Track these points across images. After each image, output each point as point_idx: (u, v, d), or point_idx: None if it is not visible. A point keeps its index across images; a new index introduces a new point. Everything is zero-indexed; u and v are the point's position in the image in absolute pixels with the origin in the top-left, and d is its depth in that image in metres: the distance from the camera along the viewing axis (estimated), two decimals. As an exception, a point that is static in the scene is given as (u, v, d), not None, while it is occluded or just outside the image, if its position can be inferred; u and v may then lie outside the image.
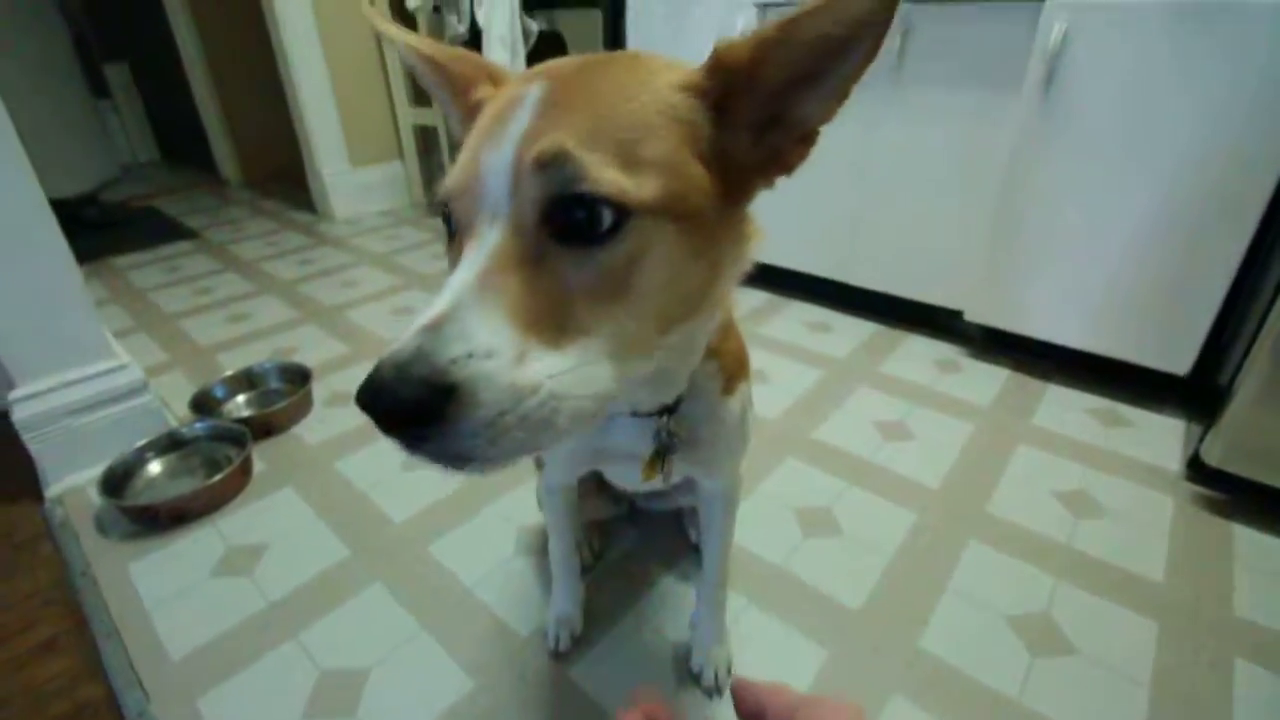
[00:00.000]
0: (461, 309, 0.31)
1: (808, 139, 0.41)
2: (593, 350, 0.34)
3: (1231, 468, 1.10)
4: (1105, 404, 1.44)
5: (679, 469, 0.67)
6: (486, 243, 0.33)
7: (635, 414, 0.57)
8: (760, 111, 0.40)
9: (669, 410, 0.56)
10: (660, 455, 0.58)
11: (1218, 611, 0.95)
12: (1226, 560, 1.04)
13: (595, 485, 0.99)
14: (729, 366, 0.61)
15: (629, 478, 0.79)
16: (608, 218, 0.33)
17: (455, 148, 0.49)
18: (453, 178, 0.36)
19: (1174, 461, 1.26)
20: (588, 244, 0.34)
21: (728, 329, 0.60)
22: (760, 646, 0.91)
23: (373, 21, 0.54)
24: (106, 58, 4.10)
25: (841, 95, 0.39)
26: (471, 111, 0.45)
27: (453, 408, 0.29)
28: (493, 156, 0.34)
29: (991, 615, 0.95)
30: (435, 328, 0.30)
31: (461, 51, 0.51)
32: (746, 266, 0.47)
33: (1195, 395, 1.40)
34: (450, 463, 0.32)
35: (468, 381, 0.30)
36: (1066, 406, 1.43)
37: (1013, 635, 0.92)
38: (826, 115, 0.40)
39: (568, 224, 0.34)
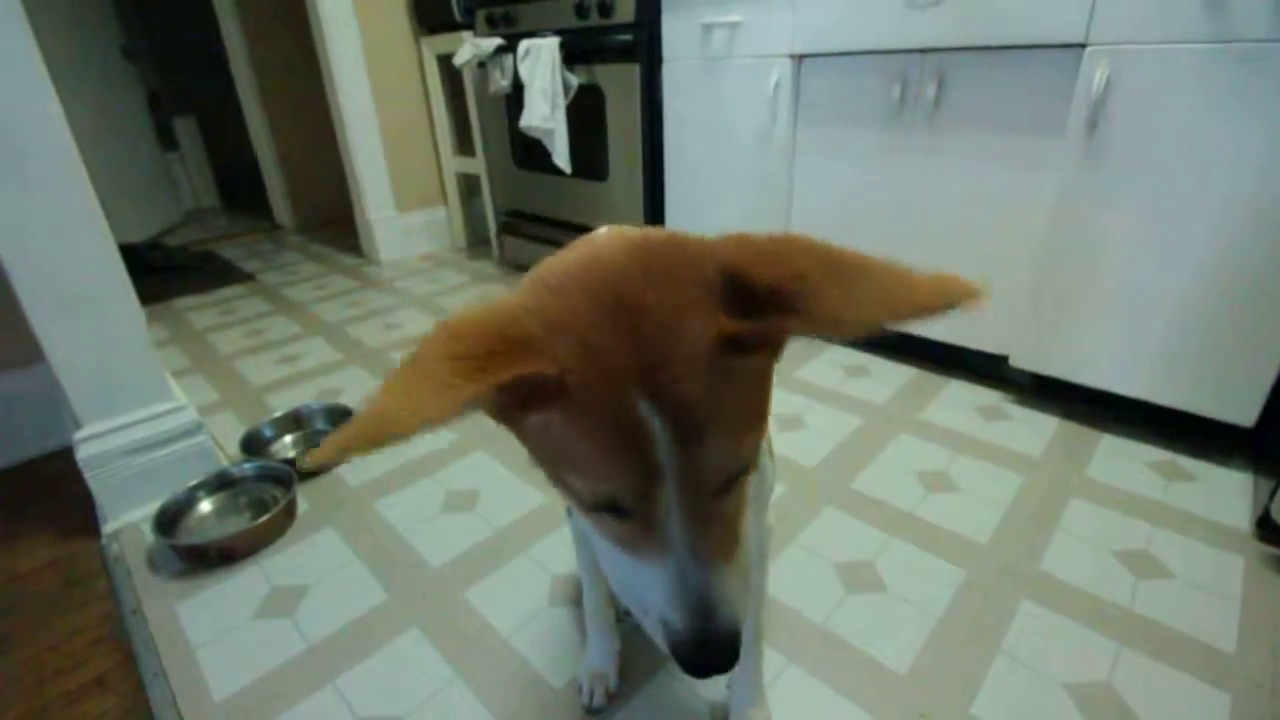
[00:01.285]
0: (711, 583, 0.41)
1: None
2: (749, 536, 0.47)
3: (1307, 528, 1.04)
4: (1165, 456, 1.38)
5: None
6: (685, 526, 0.41)
7: None
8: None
9: None
10: None
11: (1299, 686, 0.89)
12: (1306, 629, 0.97)
13: None
14: None
15: None
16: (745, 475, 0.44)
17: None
18: (630, 493, 0.40)
19: (1242, 519, 1.19)
20: (733, 484, 0.43)
21: None
22: (801, 710, 0.88)
23: None
24: (176, 112, 4.40)
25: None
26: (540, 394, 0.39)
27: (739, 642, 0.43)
28: (658, 484, 0.39)
29: (1048, 682, 0.90)
30: (709, 611, 0.41)
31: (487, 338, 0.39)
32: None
33: (1262, 448, 1.33)
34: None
35: (739, 622, 0.43)
36: (1123, 458, 1.38)
37: (1072, 705, 0.87)
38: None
39: (725, 487, 0.42)
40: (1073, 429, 1.49)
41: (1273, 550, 1.11)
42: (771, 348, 0.44)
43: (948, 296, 0.36)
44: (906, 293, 0.36)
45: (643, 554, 0.42)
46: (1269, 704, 0.86)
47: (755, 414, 0.44)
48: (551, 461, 0.43)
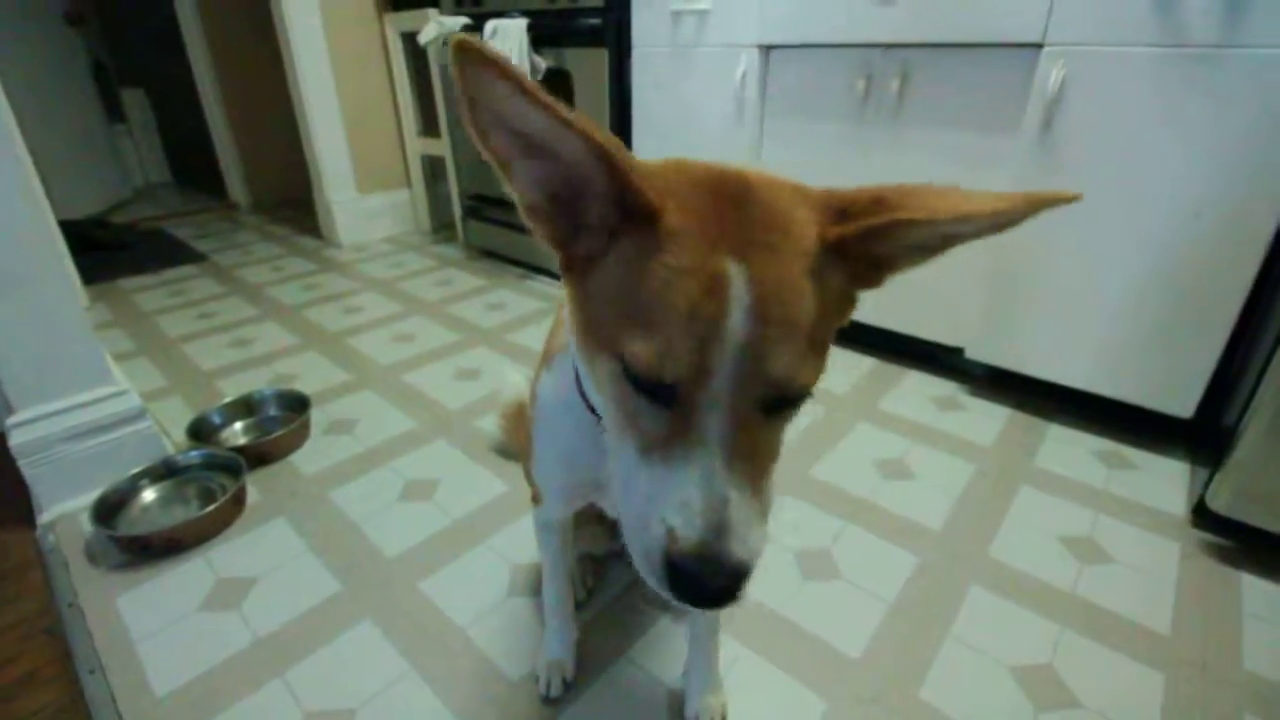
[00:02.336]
0: (732, 504, 0.38)
1: (902, 271, 0.45)
2: (772, 477, 0.42)
3: (1238, 514, 1.09)
4: (1109, 445, 1.42)
5: None
6: (717, 429, 0.38)
7: None
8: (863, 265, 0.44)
9: None
10: None
11: (1226, 664, 0.93)
12: (1235, 611, 1.02)
13: (593, 515, 0.98)
14: None
15: None
16: (800, 403, 0.41)
17: (531, 210, 0.43)
18: (681, 363, 0.37)
19: (1179, 506, 1.24)
20: (786, 409, 0.41)
21: None
22: (757, 695, 0.89)
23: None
24: (124, 83, 4.19)
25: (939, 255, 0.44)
26: (629, 218, 0.40)
27: (748, 579, 0.39)
28: (719, 356, 0.37)
29: (994, 665, 0.93)
30: (722, 528, 0.38)
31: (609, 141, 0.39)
32: None
33: (1200, 438, 1.39)
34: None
35: (754, 560, 0.39)
36: (1070, 447, 1.42)
37: (1016, 687, 0.90)
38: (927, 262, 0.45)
39: (775, 403, 0.40)
40: (1023, 419, 1.53)
41: (1207, 536, 1.16)
42: (867, 269, 0.44)
43: (1043, 199, 0.41)
44: (969, 201, 0.39)
45: (670, 453, 0.39)
46: (1200, 683, 0.90)
47: (826, 339, 0.41)
48: (614, 308, 0.40)
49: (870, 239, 0.40)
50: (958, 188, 0.40)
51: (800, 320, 0.38)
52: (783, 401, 0.40)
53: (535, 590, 1.06)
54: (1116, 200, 1.28)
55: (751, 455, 0.39)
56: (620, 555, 1.12)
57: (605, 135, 0.37)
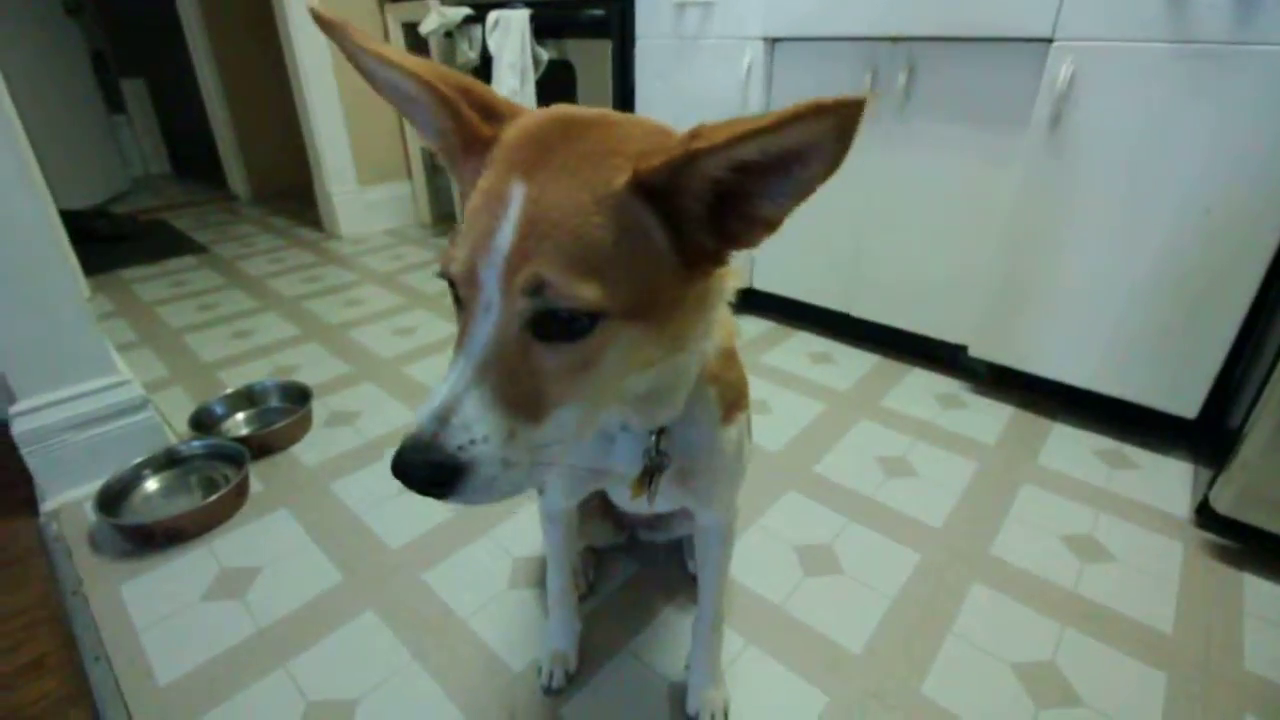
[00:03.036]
0: (464, 401, 0.39)
1: (769, 226, 0.42)
2: (565, 417, 0.42)
3: (1242, 515, 1.09)
4: (1112, 445, 1.42)
5: (674, 498, 0.68)
6: (480, 336, 0.40)
7: (626, 429, 0.59)
8: (709, 208, 0.42)
9: (660, 433, 0.58)
10: (648, 474, 0.59)
11: (1227, 664, 0.93)
12: (1236, 611, 1.02)
13: (599, 508, 0.98)
14: (728, 395, 0.61)
15: (629, 499, 0.79)
16: (582, 323, 0.40)
17: (435, 170, 0.49)
18: (457, 263, 0.41)
19: (1182, 507, 1.24)
20: (564, 339, 0.40)
21: (728, 357, 0.61)
22: (758, 690, 0.89)
23: (347, 38, 0.46)
24: (124, 73, 4.18)
25: (800, 197, 0.40)
26: (470, 146, 0.46)
27: (459, 480, 0.40)
28: (484, 262, 0.39)
29: (996, 662, 0.93)
30: (444, 418, 0.39)
31: (463, 80, 0.47)
32: (727, 298, 0.52)
33: (1204, 439, 1.39)
34: (460, 502, 0.41)
35: (470, 462, 0.39)
36: (1073, 446, 1.42)
37: (1018, 684, 0.90)
38: (785, 213, 0.41)
39: (548, 327, 0.40)
40: (1026, 418, 1.53)
41: (1210, 537, 1.16)
42: (712, 215, 0.42)
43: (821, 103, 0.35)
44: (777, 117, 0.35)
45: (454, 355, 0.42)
46: (1203, 683, 0.90)
47: (627, 281, 0.40)
48: (460, 217, 0.44)
49: (674, 174, 0.39)
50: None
51: (567, 238, 0.39)
52: (553, 322, 0.40)
53: (536, 582, 1.06)
54: (1124, 197, 1.27)
55: (514, 375, 0.40)
56: (625, 549, 1.13)
57: (441, 76, 0.45)
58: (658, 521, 1.02)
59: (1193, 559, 1.12)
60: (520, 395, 0.40)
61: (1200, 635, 0.97)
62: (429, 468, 0.39)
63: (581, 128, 0.43)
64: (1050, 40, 1.29)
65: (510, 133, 0.44)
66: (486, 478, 0.40)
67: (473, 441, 0.39)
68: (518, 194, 0.39)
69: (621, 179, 0.40)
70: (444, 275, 0.43)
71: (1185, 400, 1.31)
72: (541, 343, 0.40)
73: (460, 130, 0.46)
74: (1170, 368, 1.32)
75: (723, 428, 0.62)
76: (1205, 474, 1.23)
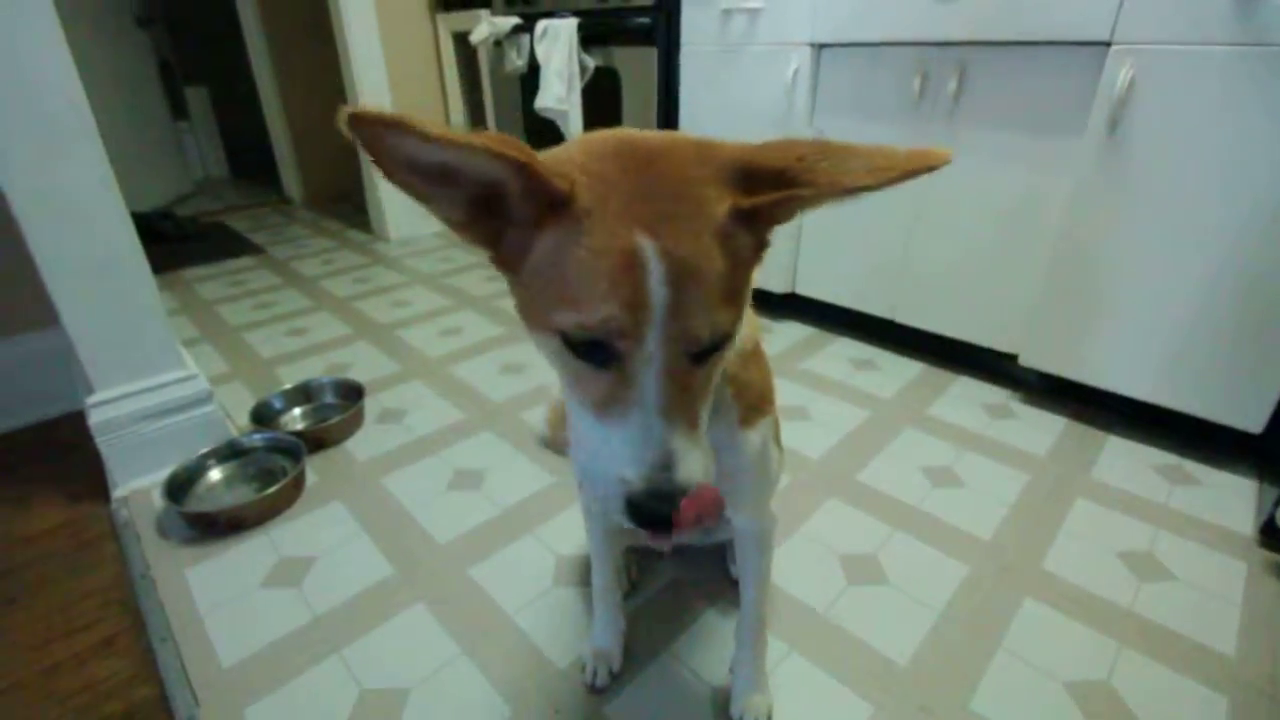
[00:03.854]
0: (673, 445, 0.43)
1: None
2: (705, 417, 0.47)
3: (1311, 536, 1.04)
4: (1171, 460, 1.38)
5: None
6: (654, 384, 0.43)
7: None
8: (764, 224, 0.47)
9: None
10: None
11: (1296, 691, 0.89)
12: (1306, 635, 0.97)
13: None
14: (747, 396, 0.62)
15: None
16: (724, 343, 0.45)
17: (457, 225, 0.46)
18: (616, 322, 0.41)
19: (1246, 525, 1.19)
20: (710, 353, 0.45)
21: (749, 358, 0.63)
22: (802, 698, 0.89)
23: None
24: (188, 81, 4.37)
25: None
26: (542, 209, 0.43)
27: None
28: (646, 319, 0.41)
29: (1048, 679, 0.91)
30: (668, 465, 0.43)
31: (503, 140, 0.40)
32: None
33: (1270, 455, 1.33)
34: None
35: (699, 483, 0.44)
36: (1129, 460, 1.38)
37: (1071, 702, 0.88)
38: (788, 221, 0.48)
39: (701, 354, 0.44)
40: (1079, 430, 1.49)
41: (1276, 557, 1.11)
42: (770, 225, 0.47)
43: (924, 160, 0.42)
44: (888, 161, 0.42)
45: (613, 411, 0.44)
46: (1267, 709, 0.87)
47: (741, 293, 0.46)
48: (547, 291, 0.43)
49: (772, 209, 0.44)
50: (865, 148, 0.44)
51: (712, 282, 0.42)
52: (706, 350, 0.44)
53: (581, 580, 1.08)
54: (1186, 204, 1.23)
55: (684, 399, 0.44)
56: (667, 552, 1.13)
57: (502, 142, 0.39)
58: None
59: (1257, 579, 1.07)
60: (692, 417, 0.45)
61: (1265, 658, 0.94)
62: (678, 498, 0.43)
63: (650, 158, 0.44)
64: (1109, 44, 1.26)
65: (590, 181, 0.42)
66: (705, 476, 0.45)
67: (691, 469, 0.44)
68: (650, 251, 0.40)
69: (722, 209, 0.43)
70: (582, 345, 0.43)
71: (1250, 414, 1.26)
72: (694, 364, 0.44)
73: (533, 192, 0.42)
74: (1234, 380, 1.27)
75: (744, 431, 0.63)
76: (1271, 491, 1.18)
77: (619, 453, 0.44)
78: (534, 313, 0.46)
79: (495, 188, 0.43)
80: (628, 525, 0.45)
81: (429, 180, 0.42)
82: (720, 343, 0.45)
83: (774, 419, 0.69)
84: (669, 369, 0.43)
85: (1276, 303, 1.19)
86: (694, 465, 0.44)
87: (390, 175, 0.40)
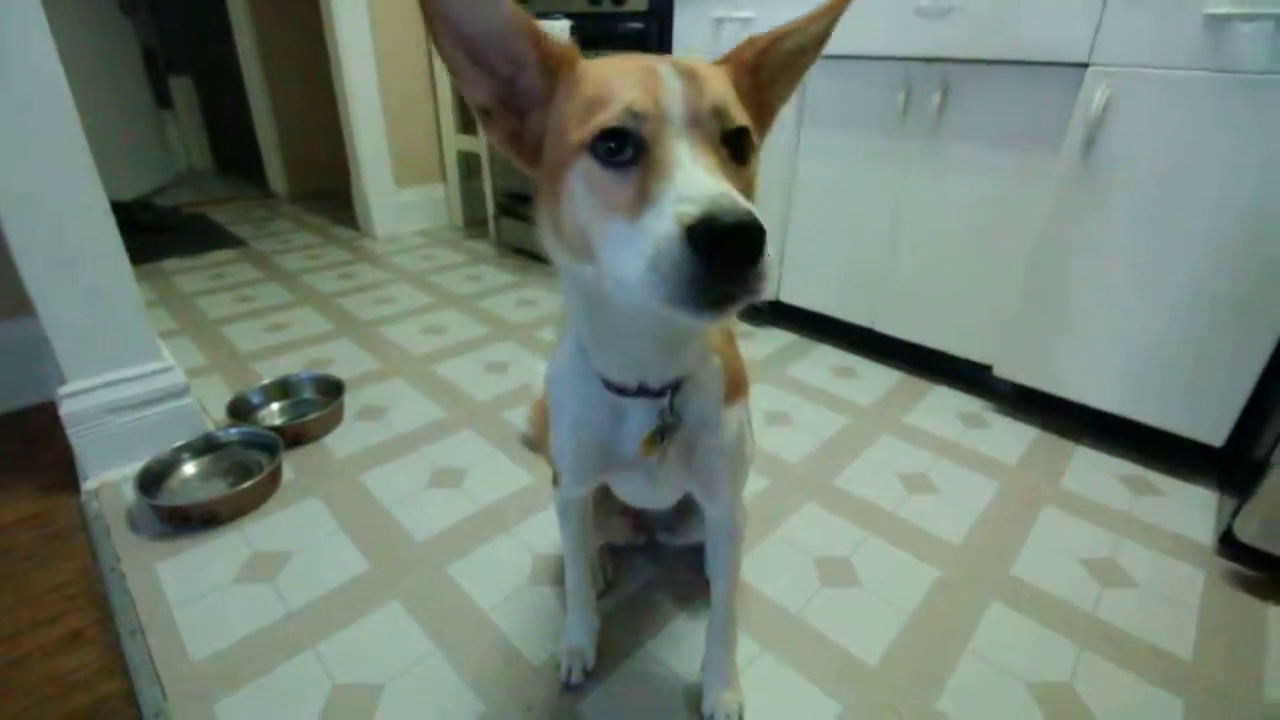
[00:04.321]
0: (740, 199, 0.40)
1: (775, 113, 0.60)
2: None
3: (1267, 545, 1.08)
4: (1136, 470, 1.41)
5: (678, 479, 0.71)
6: (695, 152, 0.43)
7: (644, 390, 0.61)
8: (759, 90, 0.57)
9: (674, 391, 0.61)
10: (660, 434, 0.62)
11: (1247, 693, 0.92)
12: (1258, 641, 1.01)
13: (618, 505, 1.01)
14: (730, 373, 0.67)
15: (636, 487, 0.82)
16: (747, 151, 0.48)
17: (485, 111, 0.53)
18: (647, 106, 0.44)
19: (1206, 535, 1.23)
20: (737, 163, 0.47)
21: (729, 340, 0.68)
22: (773, 696, 0.90)
23: None
24: (172, 70, 4.32)
25: (795, 87, 0.60)
26: (550, 72, 0.50)
27: (764, 239, 0.39)
28: (669, 101, 0.44)
29: (1012, 681, 0.93)
30: (737, 200, 0.39)
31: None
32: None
33: (1230, 467, 1.37)
34: (750, 292, 0.40)
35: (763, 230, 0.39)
36: (1096, 470, 1.41)
37: (1033, 703, 0.90)
38: (785, 98, 0.60)
39: (731, 148, 0.47)
40: (1049, 440, 1.52)
41: (1233, 566, 1.15)
42: (767, 81, 0.57)
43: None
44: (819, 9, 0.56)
45: (651, 198, 0.41)
46: (1220, 711, 0.90)
47: (751, 117, 0.50)
48: (567, 127, 0.47)
49: (767, 52, 0.55)
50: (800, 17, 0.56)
51: (721, 85, 0.48)
52: (731, 140, 0.46)
53: (556, 579, 1.09)
54: (1155, 223, 1.27)
55: (729, 176, 0.43)
56: (645, 551, 1.14)
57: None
58: (674, 523, 1.04)
59: (1214, 587, 1.11)
60: (735, 184, 0.43)
61: (1220, 662, 0.97)
62: (751, 225, 0.37)
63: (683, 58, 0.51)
64: (1086, 65, 1.29)
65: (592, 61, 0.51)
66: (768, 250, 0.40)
67: (761, 224, 0.39)
68: (659, 64, 0.47)
69: (724, 63, 0.53)
70: (613, 126, 0.44)
71: (1212, 428, 1.30)
72: (732, 161, 0.46)
73: (545, 58, 0.50)
74: (1198, 395, 1.31)
75: (725, 408, 0.66)
76: (1230, 502, 1.21)
77: (667, 205, 0.40)
78: (558, 156, 0.48)
79: (517, 63, 0.50)
80: (689, 288, 0.39)
81: (471, 57, 0.49)
82: (744, 139, 0.47)
83: (748, 406, 0.71)
84: (703, 142, 0.44)
85: (1238, 321, 1.23)
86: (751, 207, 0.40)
87: (439, 41, 0.48)
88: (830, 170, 1.77)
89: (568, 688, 0.91)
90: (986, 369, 1.62)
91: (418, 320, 2.10)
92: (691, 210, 0.38)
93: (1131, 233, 1.31)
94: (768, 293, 0.40)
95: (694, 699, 0.90)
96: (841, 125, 1.71)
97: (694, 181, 0.40)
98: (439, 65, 2.86)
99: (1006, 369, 1.57)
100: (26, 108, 1.06)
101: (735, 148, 0.46)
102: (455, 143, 2.98)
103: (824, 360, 1.88)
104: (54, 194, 1.12)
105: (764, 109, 0.57)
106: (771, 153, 1.84)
